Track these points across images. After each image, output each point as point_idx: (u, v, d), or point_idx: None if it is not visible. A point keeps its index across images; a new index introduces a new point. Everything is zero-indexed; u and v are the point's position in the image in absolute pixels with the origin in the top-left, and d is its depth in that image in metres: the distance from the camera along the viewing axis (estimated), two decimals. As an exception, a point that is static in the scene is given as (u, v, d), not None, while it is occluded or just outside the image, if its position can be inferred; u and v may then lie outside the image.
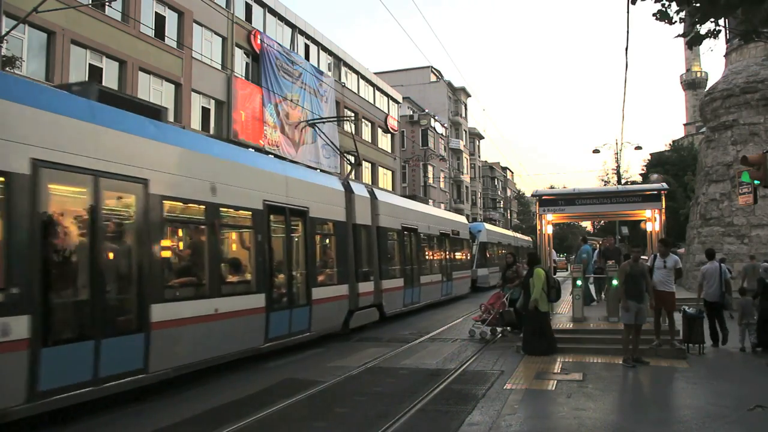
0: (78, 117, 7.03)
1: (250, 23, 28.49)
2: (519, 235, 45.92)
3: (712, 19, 6.76)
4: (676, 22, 6.85)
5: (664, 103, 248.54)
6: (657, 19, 6.75)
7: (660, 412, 7.08)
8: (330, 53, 36.59)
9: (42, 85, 11.20)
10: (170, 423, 6.87)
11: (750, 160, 10.57)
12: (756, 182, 10.53)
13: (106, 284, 7.19)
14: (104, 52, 20.46)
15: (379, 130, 43.45)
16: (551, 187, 52.85)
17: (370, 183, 39.52)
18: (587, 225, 57.72)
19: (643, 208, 12.85)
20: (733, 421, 6.63)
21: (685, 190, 34.13)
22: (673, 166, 41.96)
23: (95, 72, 20.23)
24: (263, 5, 29.60)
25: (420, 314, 18.36)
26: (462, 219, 28.25)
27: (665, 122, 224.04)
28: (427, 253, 20.26)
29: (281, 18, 31.20)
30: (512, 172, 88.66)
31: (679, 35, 7.81)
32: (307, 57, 33.41)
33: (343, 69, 38.35)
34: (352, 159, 19.47)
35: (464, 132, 62.54)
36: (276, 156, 18.89)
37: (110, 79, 20.75)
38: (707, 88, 24.49)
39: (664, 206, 12.18)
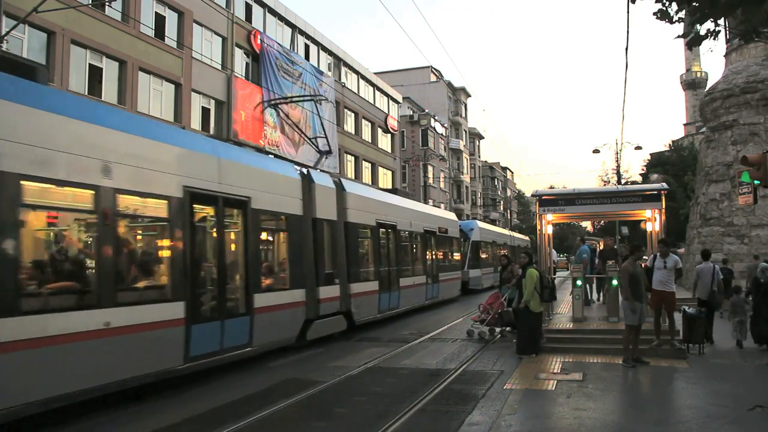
0: None
1: (250, 23, 28.50)
2: (516, 234, 45.57)
3: (712, 19, 6.76)
4: (676, 21, 6.85)
5: (664, 103, 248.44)
6: (657, 18, 6.76)
7: (660, 412, 7.08)
8: (330, 53, 36.59)
9: None
10: (170, 423, 6.87)
11: (750, 160, 10.58)
12: (756, 182, 10.55)
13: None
14: (104, 52, 20.46)
15: (379, 130, 43.46)
16: (551, 187, 52.87)
17: (371, 183, 39.52)
18: (587, 225, 57.79)
19: (643, 208, 12.85)
20: (732, 421, 6.64)
21: (685, 190, 34.16)
22: (673, 166, 42.03)
23: (95, 72, 20.24)
24: (263, 5, 29.61)
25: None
26: (452, 216, 26.39)
27: (665, 122, 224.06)
28: (408, 252, 18.46)
29: (281, 18, 31.21)
30: (512, 172, 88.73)
31: (679, 36, 7.83)
32: (307, 57, 33.42)
33: (343, 69, 38.36)
34: (320, 145, 17.54)
35: (464, 132, 62.55)
36: (276, 156, 18.19)
37: (110, 79, 20.78)
38: (707, 88, 24.52)
39: (664, 206, 12.18)
